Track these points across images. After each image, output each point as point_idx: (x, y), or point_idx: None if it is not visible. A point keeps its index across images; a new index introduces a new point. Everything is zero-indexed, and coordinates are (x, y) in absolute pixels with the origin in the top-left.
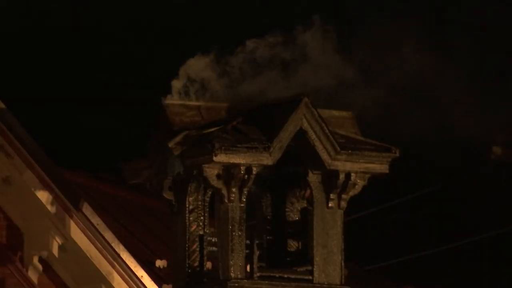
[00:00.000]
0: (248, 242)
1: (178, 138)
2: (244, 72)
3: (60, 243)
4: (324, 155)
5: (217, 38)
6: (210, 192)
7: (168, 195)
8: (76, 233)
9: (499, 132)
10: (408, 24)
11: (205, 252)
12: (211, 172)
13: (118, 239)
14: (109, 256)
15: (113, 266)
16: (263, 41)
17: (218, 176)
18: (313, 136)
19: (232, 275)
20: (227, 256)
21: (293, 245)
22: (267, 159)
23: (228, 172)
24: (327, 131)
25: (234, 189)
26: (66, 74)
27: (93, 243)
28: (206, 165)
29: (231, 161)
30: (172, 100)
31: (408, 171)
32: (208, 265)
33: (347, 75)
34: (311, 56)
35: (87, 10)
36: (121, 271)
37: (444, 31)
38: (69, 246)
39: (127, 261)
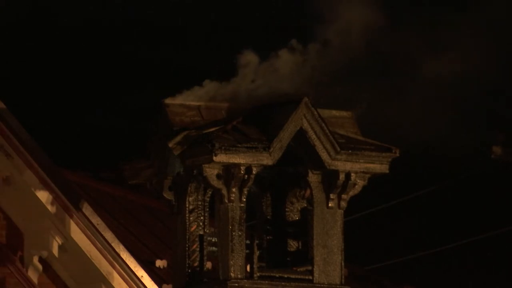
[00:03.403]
0: (248, 242)
1: (178, 138)
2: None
3: (60, 243)
4: (324, 155)
5: (219, 38)
6: (210, 192)
7: (168, 195)
8: (76, 233)
9: (499, 132)
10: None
11: (205, 252)
12: (211, 172)
13: (118, 239)
14: (109, 256)
15: (113, 266)
16: None
17: (218, 176)
18: (313, 136)
19: (232, 275)
20: (227, 256)
21: (293, 245)
22: (267, 159)
23: (228, 172)
24: (327, 131)
25: (234, 189)
26: (66, 74)
27: (93, 243)
28: (206, 165)
29: (231, 161)
30: (172, 100)
31: (408, 171)
32: (208, 265)
33: None
34: None
35: (87, 9)
36: (121, 271)
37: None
38: (69, 246)
39: (127, 261)
